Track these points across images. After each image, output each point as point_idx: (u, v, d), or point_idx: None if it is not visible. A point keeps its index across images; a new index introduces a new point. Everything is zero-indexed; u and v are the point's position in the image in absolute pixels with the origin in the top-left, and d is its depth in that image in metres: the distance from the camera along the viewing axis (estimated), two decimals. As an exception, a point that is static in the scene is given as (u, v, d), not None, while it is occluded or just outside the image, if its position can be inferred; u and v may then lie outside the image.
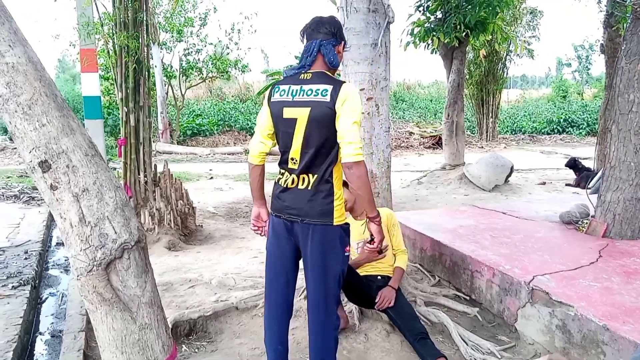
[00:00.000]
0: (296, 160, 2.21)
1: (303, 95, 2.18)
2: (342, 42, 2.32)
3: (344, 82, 2.21)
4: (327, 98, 2.12)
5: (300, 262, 2.33)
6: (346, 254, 2.27)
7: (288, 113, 2.20)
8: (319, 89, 2.15)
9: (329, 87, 2.13)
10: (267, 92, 2.33)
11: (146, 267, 2.17)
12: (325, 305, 2.26)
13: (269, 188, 2.25)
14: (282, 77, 2.36)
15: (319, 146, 2.16)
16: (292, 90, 2.21)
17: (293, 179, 2.23)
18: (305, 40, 2.29)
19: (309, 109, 2.15)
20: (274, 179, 2.34)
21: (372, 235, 2.32)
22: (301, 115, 2.17)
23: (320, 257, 2.20)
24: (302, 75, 2.22)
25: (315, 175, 2.20)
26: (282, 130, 2.24)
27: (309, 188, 2.20)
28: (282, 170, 2.29)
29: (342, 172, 2.20)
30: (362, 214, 3.13)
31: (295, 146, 2.20)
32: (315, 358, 2.28)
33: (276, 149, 2.33)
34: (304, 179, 2.21)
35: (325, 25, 2.26)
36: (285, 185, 2.26)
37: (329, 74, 2.23)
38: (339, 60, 2.27)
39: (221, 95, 21.24)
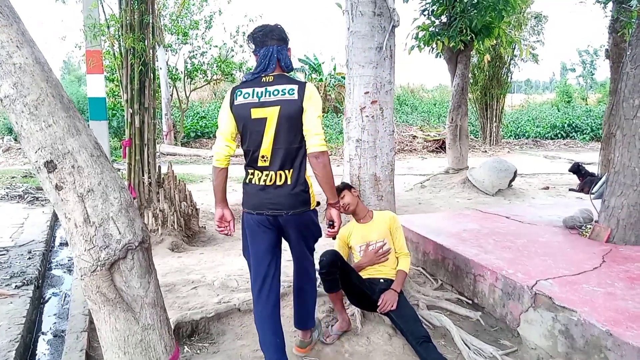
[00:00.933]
0: (267, 158, 2.41)
1: (270, 96, 2.38)
2: (287, 46, 2.53)
3: (306, 82, 2.48)
4: (295, 96, 2.36)
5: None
6: (318, 225, 2.62)
7: (256, 113, 2.38)
8: (285, 89, 2.38)
9: (295, 87, 2.38)
10: (227, 98, 2.48)
11: (150, 268, 2.17)
12: (309, 260, 2.67)
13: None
14: (241, 82, 2.53)
15: (290, 142, 2.39)
16: (257, 92, 2.39)
17: (270, 177, 2.43)
18: (252, 46, 2.50)
19: (278, 107, 2.36)
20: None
21: (332, 220, 2.56)
22: (270, 114, 2.37)
23: (302, 234, 2.56)
24: (264, 78, 2.42)
25: (292, 171, 2.42)
26: (251, 130, 2.41)
27: (289, 183, 2.42)
28: (252, 170, 2.48)
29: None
30: (364, 217, 3.14)
31: (266, 144, 2.39)
32: (301, 291, 2.70)
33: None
34: (280, 175, 2.42)
35: (275, 32, 2.48)
36: (263, 184, 2.44)
37: (288, 75, 2.47)
38: (290, 63, 2.51)
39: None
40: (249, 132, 2.42)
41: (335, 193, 2.54)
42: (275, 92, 2.38)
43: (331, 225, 2.57)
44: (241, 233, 2.64)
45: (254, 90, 2.40)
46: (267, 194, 2.44)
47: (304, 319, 2.75)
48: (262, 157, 2.41)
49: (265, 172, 2.43)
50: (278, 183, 2.42)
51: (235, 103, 2.43)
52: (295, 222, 2.48)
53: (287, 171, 2.42)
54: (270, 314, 2.49)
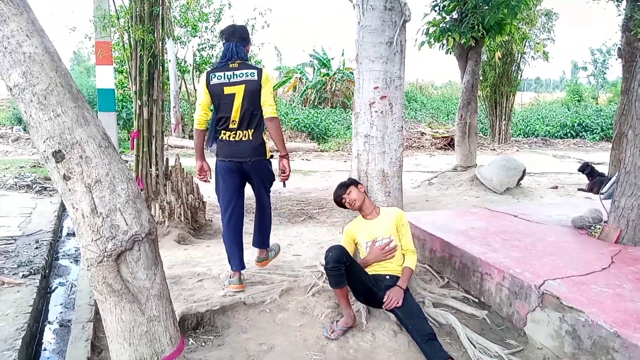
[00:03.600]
0: (235, 121, 3.43)
1: (236, 78, 3.39)
2: (248, 44, 3.57)
3: (262, 68, 3.45)
4: (255, 77, 3.39)
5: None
6: (272, 172, 3.66)
7: (228, 90, 3.39)
8: (247, 72, 3.39)
9: (255, 71, 3.41)
10: (202, 79, 3.46)
11: (156, 260, 2.17)
12: (267, 199, 3.80)
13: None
14: (212, 67, 3.53)
15: (251, 110, 3.41)
16: (227, 75, 3.40)
17: (238, 135, 3.46)
18: (224, 40, 3.51)
19: (243, 85, 3.38)
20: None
21: (283, 169, 3.52)
22: (238, 90, 3.39)
23: (262, 176, 3.61)
24: (231, 64, 3.42)
25: (253, 130, 3.46)
26: (224, 102, 3.41)
27: (251, 139, 3.46)
28: (224, 131, 3.48)
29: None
30: (371, 213, 3.13)
31: (235, 111, 3.40)
32: (260, 220, 3.85)
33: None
34: (245, 133, 3.45)
35: (237, 32, 3.50)
36: (233, 139, 3.47)
37: (248, 63, 3.46)
38: (246, 55, 3.51)
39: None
40: (222, 103, 3.42)
41: (285, 147, 3.54)
42: (241, 75, 3.39)
43: (283, 172, 3.53)
44: (214, 177, 3.66)
45: (224, 73, 3.40)
46: (236, 147, 3.46)
47: (261, 241, 3.89)
48: (233, 121, 3.43)
49: (234, 132, 3.45)
50: (243, 139, 3.46)
51: (210, 83, 3.41)
52: (255, 167, 3.52)
53: (249, 130, 3.45)
54: (235, 237, 3.59)
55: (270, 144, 3.72)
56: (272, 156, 3.61)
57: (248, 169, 3.50)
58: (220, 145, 3.53)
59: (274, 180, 3.71)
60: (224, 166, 3.51)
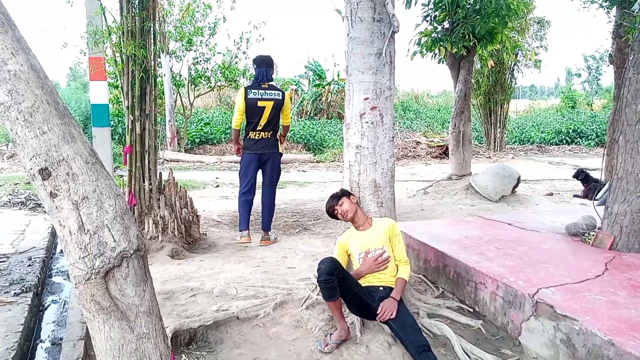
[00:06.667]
0: (261, 126, 5.05)
1: (267, 95, 5.01)
2: (273, 69, 5.14)
3: (285, 91, 5.38)
4: (281, 97, 5.07)
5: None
6: (280, 167, 5.39)
7: (261, 103, 4.99)
8: (275, 93, 5.07)
9: (280, 93, 5.10)
10: (241, 92, 5.03)
11: (145, 276, 2.15)
12: (274, 186, 5.37)
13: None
14: (249, 85, 5.16)
15: (274, 119, 5.08)
16: (260, 92, 5.00)
17: (261, 135, 5.10)
18: (255, 66, 5.13)
19: (273, 102, 5.02)
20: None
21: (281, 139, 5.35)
22: (268, 105, 5.01)
23: (273, 168, 5.26)
24: (263, 85, 5.03)
25: (271, 132, 5.14)
26: (257, 112, 5.01)
27: (269, 137, 5.14)
28: (252, 132, 5.09)
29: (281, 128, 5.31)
30: (363, 224, 3.12)
31: (263, 120, 5.03)
32: (268, 207, 5.33)
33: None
34: (266, 134, 5.11)
35: (265, 61, 5.11)
36: (258, 138, 5.10)
37: (275, 85, 5.03)
38: (272, 77, 5.16)
39: (230, 103, 21.30)
40: (255, 113, 5.01)
41: (285, 137, 5.42)
42: (271, 94, 5.03)
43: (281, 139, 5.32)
44: (241, 162, 5.29)
45: (258, 91, 5.01)
46: (259, 143, 5.12)
47: (267, 224, 5.30)
48: (260, 124, 5.04)
49: (258, 132, 5.08)
50: (264, 137, 5.12)
51: (248, 96, 4.98)
52: (271, 158, 5.18)
53: (269, 132, 5.12)
54: (246, 204, 5.23)
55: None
56: (281, 154, 5.29)
57: (265, 159, 5.16)
58: (247, 141, 5.13)
59: (280, 175, 5.40)
60: (248, 157, 5.16)
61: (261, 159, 5.13)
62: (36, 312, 3.75)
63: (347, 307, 2.98)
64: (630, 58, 3.80)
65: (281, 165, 5.44)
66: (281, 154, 5.27)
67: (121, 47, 4.79)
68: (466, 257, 3.58)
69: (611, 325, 2.46)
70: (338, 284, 2.78)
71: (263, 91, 4.91)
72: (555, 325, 2.64)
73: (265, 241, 5.18)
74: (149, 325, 2.13)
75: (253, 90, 4.91)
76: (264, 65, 5.02)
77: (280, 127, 5.19)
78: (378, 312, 2.81)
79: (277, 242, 5.28)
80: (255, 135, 5.04)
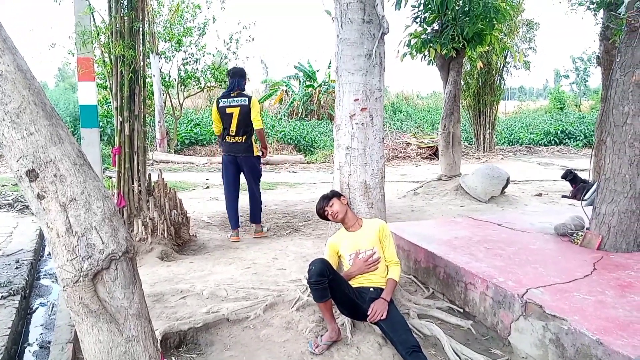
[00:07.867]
0: (233, 131, 5.33)
1: (234, 102, 5.31)
2: (245, 79, 5.53)
3: (251, 96, 5.38)
4: (246, 103, 5.30)
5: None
6: (260, 167, 5.64)
7: (229, 110, 5.31)
8: (241, 99, 5.32)
9: (247, 99, 5.32)
10: (215, 103, 5.46)
11: (134, 278, 2.13)
12: (256, 186, 5.65)
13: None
14: (220, 95, 5.51)
15: (244, 124, 5.31)
16: (229, 100, 5.33)
17: (235, 139, 5.36)
18: (229, 77, 5.46)
19: (239, 107, 5.29)
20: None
21: (264, 150, 5.62)
22: (235, 110, 5.29)
23: (249, 168, 5.49)
24: (232, 94, 5.34)
25: (245, 136, 5.37)
26: (226, 119, 5.33)
27: (243, 142, 5.38)
28: (228, 136, 5.38)
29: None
30: (354, 225, 3.12)
31: (233, 125, 5.31)
32: (252, 200, 5.66)
33: None
34: (239, 138, 5.36)
35: (238, 72, 5.47)
36: (232, 142, 5.37)
37: (243, 92, 5.37)
38: (244, 87, 5.47)
39: (220, 104, 21.13)
40: (225, 119, 5.35)
41: (266, 145, 5.60)
42: (237, 100, 5.33)
43: (263, 153, 5.58)
44: (221, 166, 5.61)
45: (227, 99, 5.35)
46: (233, 146, 5.39)
47: (254, 217, 5.69)
48: (232, 130, 5.34)
49: (232, 137, 5.36)
50: (238, 141, 5.37)
51: (219, 105, 5.38)
52: (245, 161, 5.44)
53: (242, 137, 5.37)
54: (232, 204, 5.54)
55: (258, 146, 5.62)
56: (258, 157, 5.53)
57: (240, 161, 5.43)
58: (223, 145, 5.48)
59: (260, 176, 5.66)
60: (225, 159, 5.49)
61: (237, 161, 5.42)
62: (24, 315, 3.71)
63: (338, 308, 2.98)
64: (617, 60, 3.84)
65: (263, 166, 5.83)
66: (257, 157, 5.49)
67: (110, 47, 4.76)
68: (456, 257, 3.59)
69: (599, 325, 2.48)
70: (329, 285, 2.78)
71: (231, 99, 5.28)
72: (545, 325, 2.66)
73: (258, 233, 5.62)
74: (138, 328, 2.11)
75: (223, 100, 5.33)
76: (237, 76, 5.39)
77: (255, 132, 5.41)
78: (368, 313, 2.82)
79: (268, 244, 5.27)
80: (229, 139, 5.37)
